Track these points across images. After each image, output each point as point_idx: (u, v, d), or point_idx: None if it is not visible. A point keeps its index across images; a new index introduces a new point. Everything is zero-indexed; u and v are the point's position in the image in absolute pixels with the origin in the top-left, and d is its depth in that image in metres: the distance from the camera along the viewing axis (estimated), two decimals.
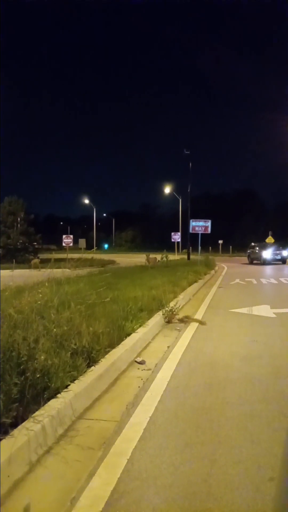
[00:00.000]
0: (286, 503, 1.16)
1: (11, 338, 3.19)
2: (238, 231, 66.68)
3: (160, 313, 6.76)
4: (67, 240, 31.47)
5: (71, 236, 32.79)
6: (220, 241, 51.74)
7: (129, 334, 5.06)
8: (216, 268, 22.94)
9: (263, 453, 2.59)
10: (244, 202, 74.88)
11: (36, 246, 41.37)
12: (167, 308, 6.92)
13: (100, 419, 3.04)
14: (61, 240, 32.16)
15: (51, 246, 58.09)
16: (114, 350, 4.33)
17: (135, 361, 4.54)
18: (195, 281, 13.20)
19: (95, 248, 44.45)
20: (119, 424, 2.99)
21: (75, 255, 15.88)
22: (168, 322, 6.78)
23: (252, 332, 6.36)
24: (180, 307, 8.02)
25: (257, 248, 32.41)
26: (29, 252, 38.54)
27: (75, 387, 3.19)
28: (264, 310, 8.35)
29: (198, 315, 7.74)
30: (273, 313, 8.01)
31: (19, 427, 2.47)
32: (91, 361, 3.79)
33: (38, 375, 2.92)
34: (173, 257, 24.51)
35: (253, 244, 34.50)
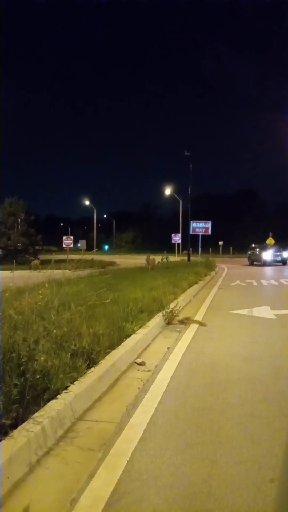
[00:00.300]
0: (287, 503, 1.16)
1: (11, 339, 3.19)
2: (239, 232, 66.70)
3: (161, 314, 6.76)
4: (68, 241, 31.48)
5: (72, 237, 32.80)
6: (221, 242, 51.71)
7: (129, 335, 5.05)
8: (217, 269, 22.94)
9: (263, 453, 2.58)
10: (245, 202, 74.89)
11: (37, 247, 41.40)
12: (167, 309, 6.92)
13: (100, 420, 3.04)
14: (61, 241, 32.17)
15: (51, 247, 58.12)
16: (114, 351, 4.33)
17: (135, 362, 4.54)
18: (196, 283, 13.19)
19: (95, 249, 44.48)
20: (119, 425, 2.99)
21: (76, 256, 15.89)
22: (169, 323, 6.78)
23: (252, 333, 6.36)
24: (180, 308, 8.02)
25: (258, 249, 32.40)
26: (29, 253, 38.57)
27: (75, 388, 3.19)
28: (264, 312, 8.35)
29: (199, 316, 7.74)
30: (274, 314, 8.01)
31: (19, 428, 2.47)
32: (91, 362, 3.79)
33: (38, 376, 2.92)
34: (174, 258, 24.50)
35: (253, 245, 34.50)
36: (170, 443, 2.76)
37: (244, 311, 8.42)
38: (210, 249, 47.40)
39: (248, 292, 12.68)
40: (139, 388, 3.77)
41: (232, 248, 52.72)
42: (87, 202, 69.73)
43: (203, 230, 22.61)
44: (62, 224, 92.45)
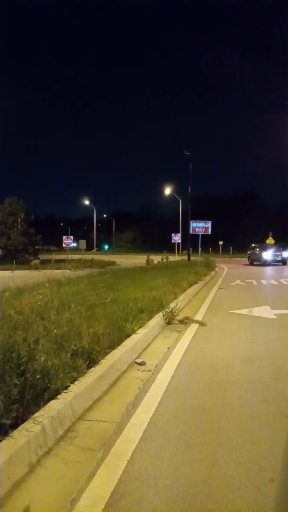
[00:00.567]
0: (287, 504, 1.16)
1: (11, 339, 3.19)
2: (239, 232, 66.69)
3: (161, 314, 6.76)
4: (67, 241, 31.47)
5: (71, 237, 32.79)
6: (221, 242, 51.71)
7: (129, 335, 5.05)
8: (217, 269, 22.93)
9: (263, 454, 2.58)
10: (245, 203, 74.89)
11: (37, 247, 41.39)
12: (167, 309, 6.92)
13: (100, 420, 3.04)
14: (61, 241, 32.16)
15: (51, 247, 58.11)
16: (114, 351, 4.33)
17: (135, 362, 4.54)
18: (196, 282, 13.19)
19: (95, 249, 44.47)
20: (119, 425, 2.99)
21: (75, 256, 15.88)
22: (168, 323, 6.77)
23: (252, 333, 6.36)
24: (180, 308, 8.01)
25: (258, 249, 32.40)
26: (29, 253, 38.55)
27: (75, 388, 3.19)
28: (264, 311, 8.35)
29: (199, 316, 7.73)
30: (274, 314, 8.01)
31: (19, 428, 2.47)
32: (91, 362, 3.79)
33: (38, 376, 2.92)
34: (174, 258, 24.49)
35: (253, 245, 34.49)
36: (170, 443, 2.76)
37: (244, 311, 8.42)
38: (210, 249, 47.40)
39: (248, 292, 12.68)
40: (139, 388, 3.77)
41: (232, 248, 52.72)
42: (87, 202, 69.78)
43: (203, 230, 22.59)
44: (62, 224, 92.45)
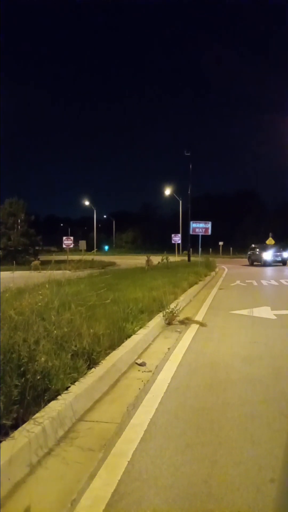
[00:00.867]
0: (287, 504, 1.16)
1: (12, 339, 3.19)
2: (239, 232, 66.66)
3: (161, 314, 6.76)
4: (68, 241, 31.47)
5: (72, 237, 32.78)
6: (221, 243, 51.72)
7: (129, 336, 5.06)
8: (217, 269, 22.94)
9: (263, 454, 2.59)
10: (245, 203, 74.84)
11: (37, 248, 41.41)
12: (167, 310, 6.92)
13: (100, 421, 3.04)
14: (61, 242, 32.16)
15: (51, 247, 58.08)
16: (114, 352, 4.33)
17: (136, 363, 4.54)
18: (196, 283, 13.19)
19: (95, 249, 44.48)
20: (119, 426, 2.99)
21: (76, 257, 15.87)
22: (169, 323, 6.78)
23: (252, 333, 6.36)
24: (180, 309, 8.02)
25: (258, 249, 32.41)
26: (29, 254, 38.56)
27: (76, 388, 3.20)
28: (264, 312, 8.35)
29: (199, 317, 7.74)
30: (274, 314, 8.01)
31: (20, 428, 2.47)
32: (92, 363, 3.80)
33: (38, 377, 2.92)
34: (174, 258, 24.50)
35: (253, 245, 34.49)
36: (171, 443, 2.77)
37: (244, 312, 8.42)
38: (210, 249, 47.39)
39: (248, 292, 12.68)
40: (139, 388, 3.77)
41: (232, 248, 52.72)
42: (87, 203, 69.75)
43: (203, 230, 22.59)
44: (62, 224, 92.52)
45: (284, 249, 31.31)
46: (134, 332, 5.26)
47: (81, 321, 4.27)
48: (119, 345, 4.58)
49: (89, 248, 43.85)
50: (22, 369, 2.91)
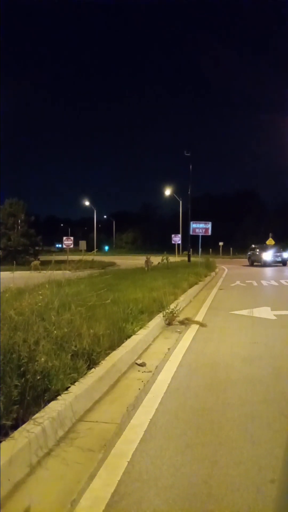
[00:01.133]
0: (287, 504, 1.16)
1: (12, 340, 3.19)
2: (239, 232, 66.61)
3: (161, 315, 6.76)
4: (68, 242, 31.46)
5: (72, 238, 32.78)
6: (221, 243, 51.68)
7: (129, 336, 5.06)
8: (217, 270, 22.94)
9: (264, 454, 2.59)
10: (245, 203, 74.78)
11: (37, 248, 41.39)
12: (167, 310, 6.92)
13: (100, 421, 3.04)
14: (61, 242, 32.14)
15: (51, 247, 58.10)
16: (114, 352, 4.33)
17: (136, 363, 4.54)
18: (196, 283, 13.19)
19: (95, 250, 44.45)
20: (119, 426, 2.99)
21: (76, 257, 15.87)
22: (169, 324, 6.78)
23: (252, 333, 6.36)
24: (180, 309, 8.02)
25: (258, 250, 32.40)
26: (29, 254, 38.55)
27: (76, 389, 3.19)
28: (264, 312, 8.35)
29: (199, 317, 7.74)
30: (274, 315, 8.01)
31: (20, 429, 2.47)
32: (92, 363, 3.79)
33: (38, 377, 2.92)
34: (174, 259, 24.49)
35: (253, 246, 34.49)
36: (171, 444, 2.76)
37: (244, 312, 8.42)
38: (210, 249, 47.37)
39: (248, 292, 12.68)
40: (139, 389, 3.77)
41: (232, 248, 52.68)
42: (87, 203, 69.71)
43: (203, 230, 22.58)
44: (62, 225, 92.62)
45: (284, 250, 31.31)
46: (134, 333, 5.25)
47: (81, 322, 4.27)
48: (119, 346, 4.58)
49: (89, 249, 43.83)
50: (22, 369, 2.91)
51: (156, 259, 20.01)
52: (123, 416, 3.15)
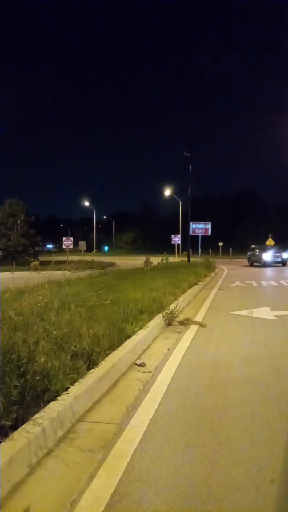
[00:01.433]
0: (287, 504, 1.16)
1: (11, 340, 3.19)
2: (239, 233, 66.63)
3: (161, 315, 6.76)
4: (67, 242, 31.47)
5: (71, 238, 32.78)
6: (220, 243, 51.68)
7: (129, 336, 5.05)
8: (216, 270, 22.94)
9: (264, 454, 2.58)
10: (245, 203, 74.81)
11: (37, 248, 41.41)
12: (167, 310, 6.92)
13: (100, 421, 3.04)
14: (61, 242, 32.15)
15: (51, 248, 58.04)
16: (114, 352, 4.33)
17: (136, 363, 4.54)
18: (196, 283, 13.19)
19: (95, 250, 44.46)
20: (119, 426, 2.99)
21: (75, 257, 15.88)
22: (169, 324, 6.77)
23: (252, 334, 6.36)
24: (180, 309, 8.02)
25: (258, 250, 32.41)
26: (29, 254, 38.55)
27: (75, 389, 3.19)
28: (264, 312, 8.35)
29: (199, 317, 7.74)
30: (273, 315, 8.01)
31: (19, 429, 2.47)
32: (91, 363, 3.79)
33: (38, 378, 2.92)
34: (173, 259, 24.50)
35: (253, 246, 34.50)
36: (170, 444, 2.76)
37: (244, 312, 8.42)
38: (210, 250, 47.38)
39: (248, 293, 12.68)
40: (139, 389, 3.77)
41: (232, 249, 52.69)
42: (87, 203, 69.77)
43: (203, 231, 22.58)
44: (62, 225, 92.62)
45: (284, 250, 31.32)
46: (133, 333, 5.25)
47: (81, 322, 4.27)
48: (118, 346, 4.58)
49: (89, 249, 43.84)
50: (21, 369, 2.91)
51: (156, 260, 20.02)
52: (123, 416, 3.15)
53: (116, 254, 65.99)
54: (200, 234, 22.40)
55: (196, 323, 7.08)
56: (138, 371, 4.32)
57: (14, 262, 26.01)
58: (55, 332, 3.74)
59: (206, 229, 22.64)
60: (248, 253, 34.26)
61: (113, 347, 4.45)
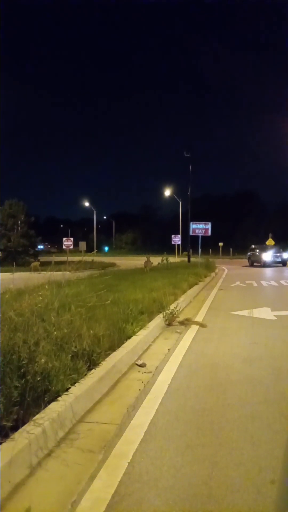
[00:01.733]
0: (287, 505, 1.16)
1: (12, 341, 3.19)
2: (239, 233, 66.63)
3: (161, 315, 6.76)
4: (68, 242, 31.49)
5: (72, 238, 32.81)
6: (221, 244, 51.70)
7: (129, 337, 5.06)
8: (217, 270, 22.93)
9: (264, 455, 2.58)
10: (245, 203, 74.81)
11: (37, 249, 41.45)
12: (167, 311, 6.92)
13: (100, 422, 3.04)
14: (61, 243, 32.18)
15: (51, 248, 58.08)
16: (114, 353, 4.33)
17: (136, 364, 4.54)
18: (196, 284, 13.19)
19: (95, 250, 44.46)
20: (120, 427, 2.99)
21: (76, 258, 15.89)
22: (169, 324, 6.78)
23: (252, 334, 6.36)
24: (180, 310, 8.02)
25: (258, 250, 32.40)
26: (29, 255, 38.57)
27: (76, 390, 3.19)
28: (264, 312, 8.35)
29: (199, 318, 7.74)
30: (274, 315, 8.01)
31: (20, 430, 2.47)
32: (92, 364, 3.79)
33: (38, 378, 2.92)
34: (174, 259, 24.51)
35: (253, 246, 34.49)
36: (171, 444, 2.76)
37: (244, 312, 8.42)
38: (210, 250, 47.38)
39: (248, 293, 12.68)
40: (139, 389, 3.77)
41: (232, 249, 52.71)
42: (87, 204, 69.79)
43: (203, 231, 22.59)
44: (62, 225, 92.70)
45: (284, 250, 31.32)
46: (134, 333, 5.25)
47: (81, 322, 4.27)
48: (119, 346, 4.58)
49: (89, 249, 43.86)
50: (22, 370, 2.91)
51: (156, 260, 20.01)
52: (123, 417, 3.15)
53: (116, 254, 66.03)
54: (200, 234, 22.40)
55: (197, 323, 7.08)
56: (139, 372, 4.32)
57: (14, 263, 26.06)
58: (55, 332, 3.75)
59: (206, 229, 22.65)
60: (248, 253, 34.26)
61: (113, 347, 4.45)
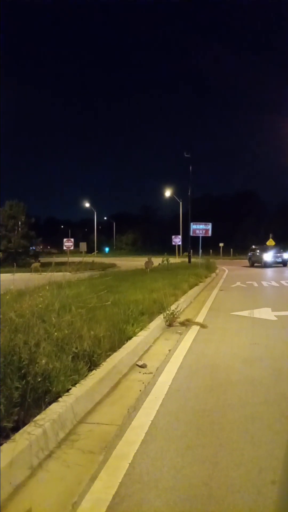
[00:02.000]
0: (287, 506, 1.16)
1: (12, 342, 3.20)
2: (239, 233, 66.66)
3: (161, 316, 6.76)
4: (68, 243, 31.51)
5: (72, 239, 32.83)
6: (221, 244, 51.73)
7: (130, 338, 5.06)
8: (217, 271, 22.94)
9: (264, 455, 2.58)
10: (245, 204, 74.86)
11: (37, 250, 41.47)
12: (168, 311, 6.92)
13: (101, 423, 3.05)
14: (61, 243, 32.19)
15: (52, 249, 58.12)
16: (115, 354, 4.34)
17: (137, 365, 4.54)
18: (196, 284, 13.20)
19: (96, 251, 44.45)
20: (120, 428, 2.99)
21: (76, 259, 15.89)
22: (169, 325, 6.78)
23: (253, 334, 6.36)
24: (181, 310, 8.01)
25: (258, 251, 32.41)
26: (30, 256, 38.59)
27: (76, 390, 3.20)
28: (265, 313, 8.35)
29: (199, 318, 7.74)
30: (274, 315, 8.01)
31: (21, 431, 2.47)
32: (92, 365, 3.80)
33: (39, 379, 2.92)
34: (174, 260, 24.53)
35: (254, 247, 34.50)
36: (171, 445, 2.76)
37: (245, 313, 8.42)
38: (211, 250, 47.40)
39: (248, 293, 12.68)
40: (140, 390, 3.77)
41: (232, 249, 52.73)
42: (87, 204, 69.71)
43: (203, 231, 22.61)
44: (62, 226, 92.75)
45: (284, 250, 31.32)
46: (134, 334, 5.26)
47: (82, 323, 4.28)
48: (119, 347, 4.58)
49: (90, 250, 43.84)
50: (22, 371, 2.91)
51: (156, 260, 20.00)
52: (124, 417, 3.16)
53: (116, 255, 66.05)
54: (200, 235, 22.42)
55: (197, 324, 7.08)
56: (139, 372, 4.32)
57: (14, 264, 26.08)
58: (56, 333, 3.75)
59: (207, 230, 22.67)
60: (249, 254, 34.27)
61: (114, 348, 4.46)
